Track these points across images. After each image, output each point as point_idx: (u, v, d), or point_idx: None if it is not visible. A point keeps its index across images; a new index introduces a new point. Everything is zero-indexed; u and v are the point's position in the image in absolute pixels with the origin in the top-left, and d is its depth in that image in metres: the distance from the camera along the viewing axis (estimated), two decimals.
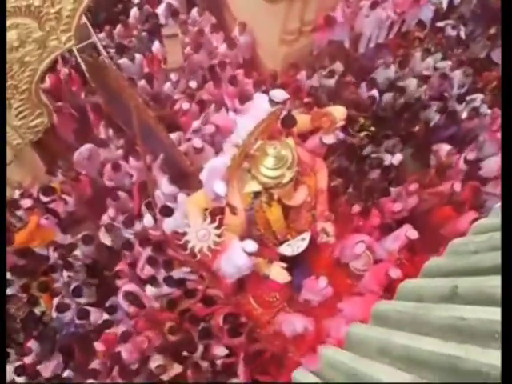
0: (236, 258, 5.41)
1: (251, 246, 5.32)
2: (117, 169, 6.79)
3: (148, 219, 6.44)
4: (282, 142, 5.46)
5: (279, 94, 5.60)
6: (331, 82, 8.04)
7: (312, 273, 6.43)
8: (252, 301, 6.52)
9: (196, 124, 7.21)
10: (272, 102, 5.53)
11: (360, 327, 2.80)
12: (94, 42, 7.76)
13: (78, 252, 6.62)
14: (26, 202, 6.53)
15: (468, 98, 7.90)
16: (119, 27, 8.34)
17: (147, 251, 6.51)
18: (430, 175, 7.35)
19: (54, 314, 6.44)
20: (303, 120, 5.90)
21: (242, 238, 5.53)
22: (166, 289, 6.41)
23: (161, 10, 8.33)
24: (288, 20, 7.95)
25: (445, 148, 7.46)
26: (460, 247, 2.77)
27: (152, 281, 6.33)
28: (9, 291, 6.20)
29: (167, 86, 7.74)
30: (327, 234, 5.91)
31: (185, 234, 5.29)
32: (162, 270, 6.44)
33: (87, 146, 7.01)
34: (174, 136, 6.95)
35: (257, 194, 5.54)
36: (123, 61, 7.81)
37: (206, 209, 5.70)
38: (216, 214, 5.73)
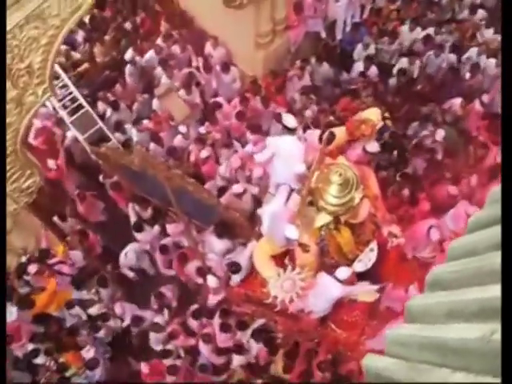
0: (330, 290, 5.66)
1: (344, 272, 5.63)
2: (165, 251, 7.03)
3: (212, 282, 6.58)
4: (338, 164, 5.68)
5: (291, 120, 6.06)
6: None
7: (380, 277, 6.61)
8: (335, 328, 6.70)
9: (223, 169, 7.44)
10: (287, 128, 5.89)
11: (418, 298, 2.85)
12: (101, 128, 7.96)
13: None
14: (33, 267, 6.80)
15: (464, 56, 8.32)
16: (117, 87, 8.61)
17: (216, 320, 6.70)
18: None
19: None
20: (339, 133, 6.10)
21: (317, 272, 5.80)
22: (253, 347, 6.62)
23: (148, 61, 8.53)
24: (259, 23, 8.18)
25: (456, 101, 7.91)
26: (496, 195, 2.82)
27: (238, 349, 6.57)
28: (36, 360, 6.57)
29: (178, 140, 7.93)
30: (396, 236, 6.13)
31: None
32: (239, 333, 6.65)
33: (132, 247, 7.26)
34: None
35: (325, 224, 5.75)
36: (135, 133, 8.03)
37: (273, 256, 5.99)
38: (282, 258, 6.02)
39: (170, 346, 6.77)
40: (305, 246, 5.69)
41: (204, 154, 7.53)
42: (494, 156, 7.33)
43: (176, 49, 8.69)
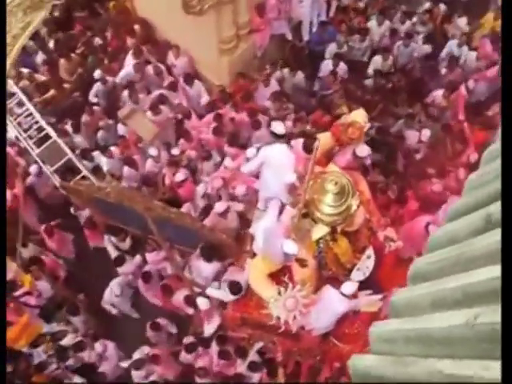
0: (336, 305, 5.53)
1: (349, 287, 5.48)
2: (148, 279, 6.97)
3: (204, 304, 6.42)
4: (332, 172, 5.58)
5: (280, 127, 6.09)
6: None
7: (379, 283, 6.48)
8: (337, 342, 6.51)
9: (201, 188, 7.32)
10: (274, 135, 5.85)
11: (401, 292, 2.87)
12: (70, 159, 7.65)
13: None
14: None
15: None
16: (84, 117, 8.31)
17: (214, 348, 6.56)
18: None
19: None
20: (324, 139, 5.96)
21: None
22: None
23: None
24: (221, 28, 8.02)
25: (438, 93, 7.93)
26: (473, 183, 2.98)
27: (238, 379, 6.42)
28: None
29: (150, 164, 7.76)
30: (392, 239, 6.02)
31: None
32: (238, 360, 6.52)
33: (117, 281, 7.15)
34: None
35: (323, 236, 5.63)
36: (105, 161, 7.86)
37: (270, 275, 5.80)
38: (278, 276, 5.82)
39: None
40: (302, 260, 5.55)
41: (179, 177, 7.41)
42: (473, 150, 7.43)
43: (149, 69, 8.52)
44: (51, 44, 9.09)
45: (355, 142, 6.09)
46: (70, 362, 6.80)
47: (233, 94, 8.32)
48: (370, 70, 8.54)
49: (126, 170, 7.68)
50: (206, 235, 6.17)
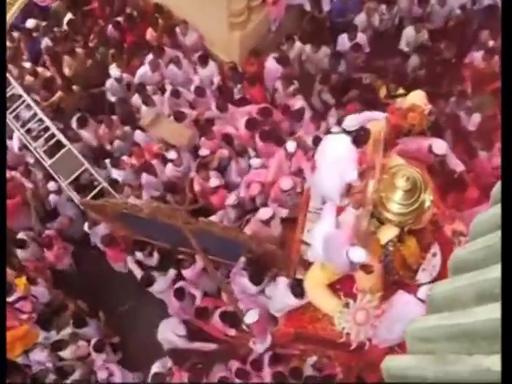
0: (412, 312, 5.01)
1: (424, 292, 5.04)
2: (181, 295, 6.60)
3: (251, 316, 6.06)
4: (400, 166, 5.20)
5: (352, 121, 5.44)
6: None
7: None
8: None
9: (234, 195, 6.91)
10: (347, 132, 5.31)
11: (441, 285, 2.79)
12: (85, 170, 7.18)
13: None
14: None
15: None
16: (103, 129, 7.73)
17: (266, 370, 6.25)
18: None
19: None
20: (377, 128, 5.54)
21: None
22: None
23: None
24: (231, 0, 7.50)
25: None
26: None
27: None
28: None
29: (170, 169, 7.27)
30: (462, 233, 5.62)
31: None
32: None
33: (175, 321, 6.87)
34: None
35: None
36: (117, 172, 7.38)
37: (329, 285, 5.54)
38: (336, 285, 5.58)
39: None
40: (368, 266, 5.12)
41: (214, 182, 6.98)
42: None
43: (173, 68, 7.98)
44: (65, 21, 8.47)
45: (416, 129, 5.72)
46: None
47: (244, 73, 7.87)
48: (403, 44, 8.02)
49: (145, 177, 7.24)
50: (252, 247, 5.91)
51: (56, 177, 7.01)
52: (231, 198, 6.83)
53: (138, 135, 7.62)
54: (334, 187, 5.31)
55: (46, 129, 7.16)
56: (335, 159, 5.22)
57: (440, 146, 5.90)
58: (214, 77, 7.93)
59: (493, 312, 2.04)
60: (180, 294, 6.57)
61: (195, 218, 5.51)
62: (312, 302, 5.63)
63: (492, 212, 2.72)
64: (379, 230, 5.20)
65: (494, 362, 1.92)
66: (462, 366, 2.06)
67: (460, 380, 2.05)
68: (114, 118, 7.68)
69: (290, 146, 6.64)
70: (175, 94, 7.67)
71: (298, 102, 7.41)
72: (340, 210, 5.46)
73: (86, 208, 6.25)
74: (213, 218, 6.79)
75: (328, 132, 6.18)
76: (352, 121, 5.41)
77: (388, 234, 5.18)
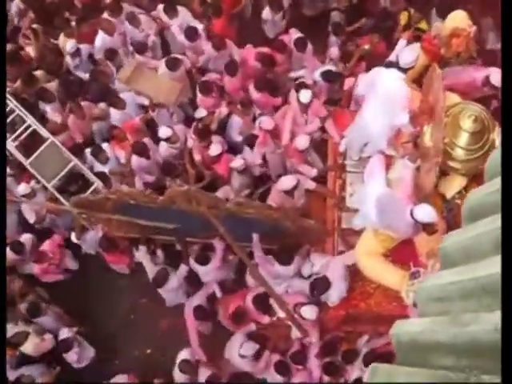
0: None
1: None
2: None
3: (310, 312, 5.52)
4: (463, 105, 4.72)
5: (410, 55, 4.87)
6: None
7: None
8: None
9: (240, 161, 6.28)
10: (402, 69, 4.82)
11: (454, 236, 2.61)
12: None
13: None
14: None
15: None
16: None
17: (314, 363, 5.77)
18: None
19: None
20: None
21: None
22: None
23: None
24: None
25: None
26: None
27: None
28: None
29: (164, 148, 6.56)
30: None
31: None
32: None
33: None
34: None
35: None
36: None
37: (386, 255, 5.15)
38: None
39: None
40: (432, 226, 4.68)
41: (216, 149, 6.30)
42: None
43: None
44: None
45: (463, 57, 5.28)
46: None
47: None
48: None
49: (135, 160, 6.49)
50: (288, 226, 5.43)
51: (39, 177, 6.19)
52: (237, 162, 6.24)
53: (114, 115, 6.87)
54: (381, 131, 4.92)
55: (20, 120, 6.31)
56: (385, 98, 4.79)
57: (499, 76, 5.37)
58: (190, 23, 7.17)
59: None
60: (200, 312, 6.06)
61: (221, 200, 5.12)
62: (368, 275, 5.22)
63: None
64: (443, 182, 4.83)
65: None
66: (480, 326, 1.91)
67: (479, 341, 1.89)
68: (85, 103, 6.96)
69: (305, 95, 5.96)
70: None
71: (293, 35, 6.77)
72: (388, 165, 5.05)
73: (80, 208, 5.55)
74: (219, 192, 6.26)
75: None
76: (408, 55, 4.89)
77: (454, 185, 4.83)
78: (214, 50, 6.65)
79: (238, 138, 6.67)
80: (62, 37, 7.12)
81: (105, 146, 6.66)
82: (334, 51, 6.65)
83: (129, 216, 5.53)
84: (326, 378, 5.71)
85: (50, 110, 6.76)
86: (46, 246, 6.39)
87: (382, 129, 4.90)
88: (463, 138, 4.48)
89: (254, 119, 6.61)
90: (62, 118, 6.66)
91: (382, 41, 6.39)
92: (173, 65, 6.56)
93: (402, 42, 5.23)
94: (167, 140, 6.40)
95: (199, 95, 6.63)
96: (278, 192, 5.88)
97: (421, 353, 2.23)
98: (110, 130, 6.75)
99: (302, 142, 5.92)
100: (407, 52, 4.92)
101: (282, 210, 5.40)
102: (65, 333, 6.14)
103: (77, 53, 7.01)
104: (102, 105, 6.86)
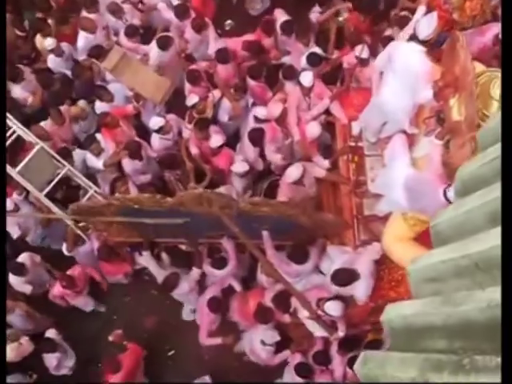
0: None
1: None
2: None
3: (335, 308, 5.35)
4: (484, 72, 4.49)
5: (428, 26, 4.69)
6: None
7: None
8: None
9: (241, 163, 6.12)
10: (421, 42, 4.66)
11: (446, 213, 2.52)
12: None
13: None
14: None
15: None
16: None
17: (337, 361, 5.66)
18: None
19: None
20: None
21: None
22: None
23: None
24: None
25: None
26: None
27: None
28: None
29: (157, 142, 6.34)
30: None
31: None
32: None
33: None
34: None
35: None
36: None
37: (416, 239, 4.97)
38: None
39: None
40: None
41: (216, 140, 6.04)
42: None
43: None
44: None
45: (478, 21, 5.10)
46: None
47: None
48: None
49: (127, 163, 6.21)
50: (304, 221, 5.27)
51: (29, 187, 5.82)
52: (239, 165, 6.03)
53: (98, 108, 6.60)
54: (403, 108, 4.73)
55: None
56: (405, 73, 4.59)
57: None
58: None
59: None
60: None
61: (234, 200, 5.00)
62: (399, 262, 5.05)
63: None
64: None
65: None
66: (472, 304, 1.89)
67: (472, 321, 1.87)
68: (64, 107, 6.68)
69: (306, 78, 5.73)
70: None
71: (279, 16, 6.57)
72: (410, 145, 4.88)
73: (80, 215, 5.30)
74: (221, 189, 6.05)
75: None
76: (426, 26, 4.70)
77: None
78: (194, 31, 6.41)
79: (229, 122, 6.49)
80: (39, 37, 6.82)
81: (98, 136, 6.38)
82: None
83: (127, 224, 5.36)
84: (351, 372, 5.51)
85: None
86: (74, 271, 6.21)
87: (404, 106, 4.72)
88: (495, 108, 4.25)
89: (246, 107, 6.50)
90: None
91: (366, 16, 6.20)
92: (164, 43, 6.33)
93: (420, 10, 5.02)
94: (159, 131, 6.12)
95: (187, 85, 6.38)
96: (288, 185, 5.72)
97: (414, 337, 2.18)
98: (100, 118, 6.45)
99: (314, 129, 5.73)
100: (425, 22, 4.73)
101: (299, 206, 5.25)
102: (50, 333, 6.01)
103: (57, 50, 6.68)
104: (82, 102, 6.62)
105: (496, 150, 2.32)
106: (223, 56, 6.28)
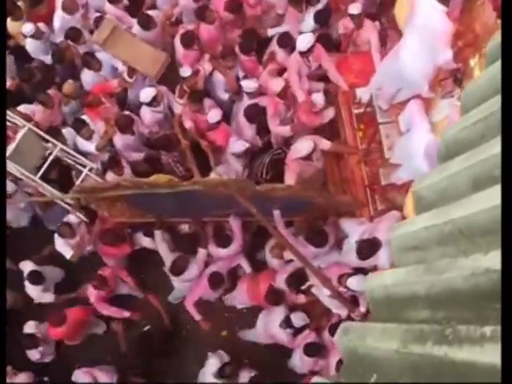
0: None
1: None
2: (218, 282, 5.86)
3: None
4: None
5: None
6: None
7: None
8: None
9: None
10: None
11: (427, 178, 2.58)
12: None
13: None
14: None
15: None
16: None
17: None
18: None
19: None
20: None
21: None
22: None
23: None
24: None
25: None
26: None
27: None
28: None
29: (149, 115, 6.10)
30: None
31: None
32: None
33: None
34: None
35: None
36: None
37: None
38: None
39: None
40: None
41: (214, 115, 5.86)
42: None
43: None
44: None
45: None
46: None
47: None
48: None
49: (120, 138, 5.97)
50: (320, 201, 5.18)
51: (22, 171, 5.52)
52: (238, 144, 5.84)
53: (87, 77, 6.33)
54: (423, 72, 4.51)
55: None
56: (425, 35, 4.36)
57: None
58: None
59: (492, 198, 1.85)
60: (217, 280, 5.76)
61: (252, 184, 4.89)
62: None
63: (487, 75, 2.50)
64: None
65: (493, 260, 1.75)
66: (456, 272, 1.90)
67: (455, 289, 1.88)
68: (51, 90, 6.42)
69: (305, 40, 5.52)
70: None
71: None
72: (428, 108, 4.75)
73: (85, 195, 5.11)
74: (219, 169, 5.90)
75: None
76: None
77: None
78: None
79: (224, 96, 6.31)
80: (9, 21, 6.55)
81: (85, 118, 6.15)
82: None
83: (134, 206, 5.22)
84: None
85: None
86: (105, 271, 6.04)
87: (423, 69, 4.50)
88: None
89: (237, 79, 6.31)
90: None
91: None
92: (145, 22, 6.09)
93: None
94: (151, 103, 5.87)
95: (181, 50, 6.13)
96: (295, 160, 5.50)
97: (395, 307, 2.18)
98: (82, 97, 6.25)
99: (318, 99, 5.53)
100: None
101: (316, 189, 5.17)
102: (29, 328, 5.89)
103: (36, 33, 6.36)
104: (70, 81, 6.28)
105: (479, 113, 2.33)
106: (203, 13, 6.00)
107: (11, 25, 6.62)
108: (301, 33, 5.87)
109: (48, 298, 6.01)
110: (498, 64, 2.34)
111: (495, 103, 2.20)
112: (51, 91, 6.28)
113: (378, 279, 2.40)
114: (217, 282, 5.66)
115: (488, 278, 1.75)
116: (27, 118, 5.90)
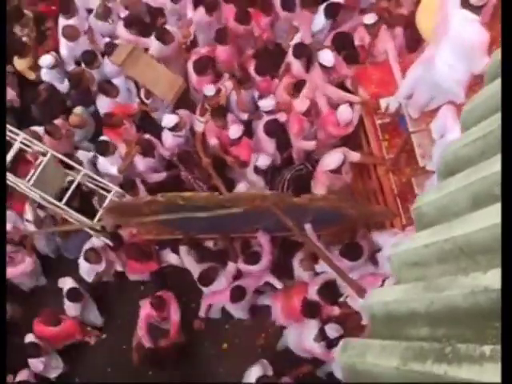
0: None
1: None
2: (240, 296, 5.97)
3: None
4: None
5: None
6: None
7: None
8: None
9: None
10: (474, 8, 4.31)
11: (429, 194, 2.55)
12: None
13: None
14: None
15: None
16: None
17: None
18: None
19: None
20: None
21: None
22: None
23: None
24: None
25: None
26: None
27: None
28: None
29: (170, 139, 6.18)
30: None
31: None
32: None
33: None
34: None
35: None
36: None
37: None
38: None
39: None
40: None
41: (235, 131, 5.95)
42: None
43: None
44: None
45: None
46: None
47: None
48: None
49: (141, 161, 6.10)
50: (352, 213, 5.17)
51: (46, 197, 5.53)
52: (261, 159, 5.89)
53: (101, 101, 6.43)
54: (458, 80, 4.53)
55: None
56: (460, 44, 4.38)
57: None
58: None
59: (492, 216, 1.85)
60: (239, 294, 5.82)
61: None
62: None
63: (487, 93, 2.49)
64: None
65: (492, 279, 1.74)
66: (456, 290, 1.89)
67: (455, 307, 1.88)
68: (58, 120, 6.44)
69: (326, 56, 5.60)
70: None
71: None
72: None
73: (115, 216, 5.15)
74: (240, 186, 5.97)
75: None
76: None
77: None
78: (207, 13, 6.16)
79: (243, 116, 6.35)
80: (16, 59, 6.70)
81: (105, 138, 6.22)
82: None
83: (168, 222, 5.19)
84: None
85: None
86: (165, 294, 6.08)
87: (461, 78, 4.50)
88: None
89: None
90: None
91: None
92: (163, 35, 6.13)
93: None
94: (173, 129, 5.94)
95: (195, 77, 6.18)
96: (325, 173, 5.56)
97: (395, 324, 2.18)
98: (104, 118, 6.29)
99: (346, 113, 5.56)
100: None
101: (350, 200, 5.22)
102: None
103: (56, 63, 6.44)
104: (78, 109, 6.41)
105: (479, 130, 2.32)
106: (222, 37, 6.06)
107: (18, 62, 6.76)
108: (313, 35, 5.97)
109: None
110: (498, 82, 2.36)
111: (495, 121, 2.22)
112: (58, 121, 6.33)
113: (377, 296, 2.41)
114: (238, 296, 5.73)
115: (487, 297, 1.76)
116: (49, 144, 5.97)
